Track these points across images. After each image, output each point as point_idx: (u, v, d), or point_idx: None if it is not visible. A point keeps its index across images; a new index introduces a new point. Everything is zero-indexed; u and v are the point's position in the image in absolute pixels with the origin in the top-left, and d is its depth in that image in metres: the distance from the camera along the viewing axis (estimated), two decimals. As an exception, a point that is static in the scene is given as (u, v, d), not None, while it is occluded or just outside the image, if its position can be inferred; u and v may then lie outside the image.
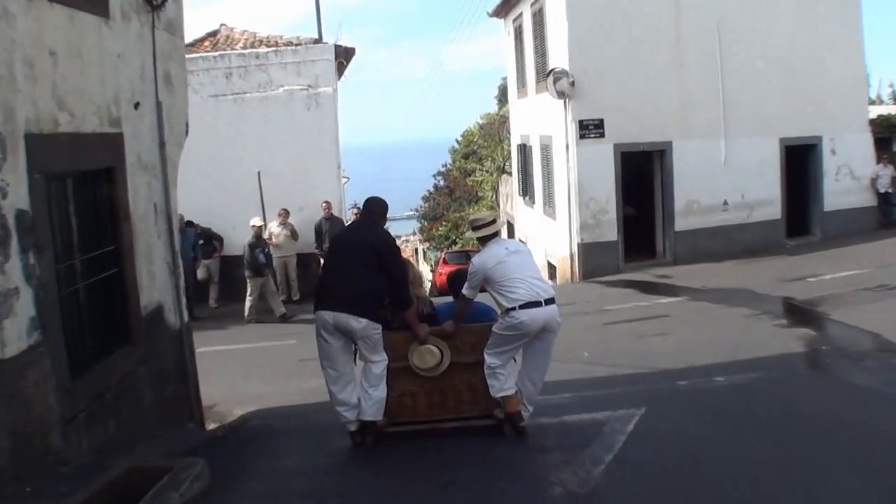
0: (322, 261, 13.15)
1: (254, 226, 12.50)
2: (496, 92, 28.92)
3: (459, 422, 5.36)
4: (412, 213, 47.77)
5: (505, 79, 27.97)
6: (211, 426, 6.83)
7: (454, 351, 5.31)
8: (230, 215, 13.72)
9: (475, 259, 5.34)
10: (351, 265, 5.09)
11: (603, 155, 15.03)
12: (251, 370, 9.46)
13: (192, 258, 12.76)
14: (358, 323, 4.95)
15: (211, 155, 13.45)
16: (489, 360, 5.18)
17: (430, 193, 36.93)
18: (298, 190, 14.00)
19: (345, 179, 16.73)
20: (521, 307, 4.96)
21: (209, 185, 13.48)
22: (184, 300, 6.40)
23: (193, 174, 13.47)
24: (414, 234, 55.99)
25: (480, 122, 27.44)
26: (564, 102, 15.07)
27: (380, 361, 5.16)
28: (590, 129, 15.13)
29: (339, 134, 14.90)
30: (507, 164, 24.83)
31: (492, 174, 26.48)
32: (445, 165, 38.88)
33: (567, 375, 6.91)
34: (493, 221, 5.55)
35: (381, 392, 5.16)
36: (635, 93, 14.88)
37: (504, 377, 5.20)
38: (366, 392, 5.16)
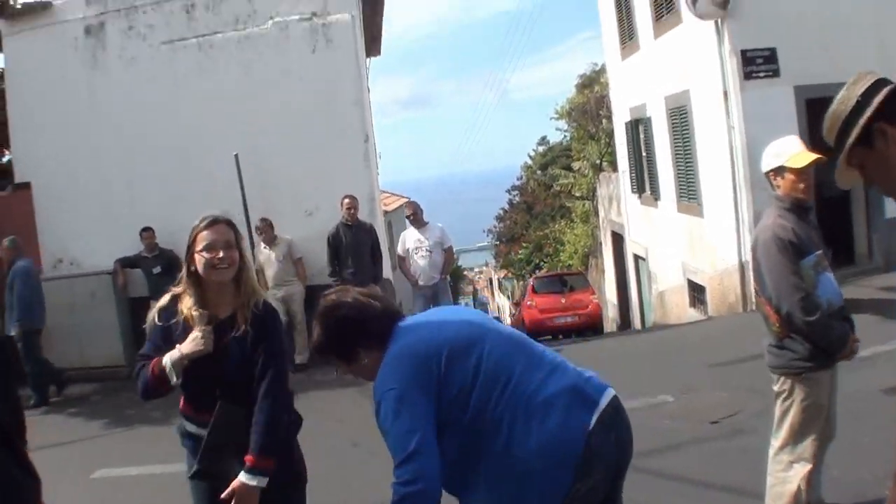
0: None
1: None
2: (571, 92, 23.10)
3: None
4: (485, 243, 42.16)
5: (593, 64, 22.56)
6: None
7: None
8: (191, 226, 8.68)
9: None
10: None
11: (778, 104, 9.47)
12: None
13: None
14: None
15: (166, 130, 8.58)
16: None
17: (505, 212, 31.52)
18: (303, 182, 8.74)
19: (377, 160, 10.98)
20: None
21: (163, 179, 8.59)
22: None
23: (141, 162, 8.72)
24: (486, 265, 50.46)
25: (566, 107, 21.86)
26: (717, 25, 9.65)
27: None
28: (756, 63, 9.66)
29: (366, 86, 9.52)
30: (604, 158, 19.29)
31: (585, 175, 20.89)
32: (520, 178, 33.53)
33: None
34: None
35: None
36: (824, 4, 9.33)
37: None
38: None
